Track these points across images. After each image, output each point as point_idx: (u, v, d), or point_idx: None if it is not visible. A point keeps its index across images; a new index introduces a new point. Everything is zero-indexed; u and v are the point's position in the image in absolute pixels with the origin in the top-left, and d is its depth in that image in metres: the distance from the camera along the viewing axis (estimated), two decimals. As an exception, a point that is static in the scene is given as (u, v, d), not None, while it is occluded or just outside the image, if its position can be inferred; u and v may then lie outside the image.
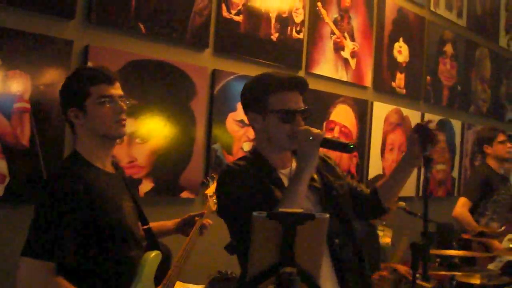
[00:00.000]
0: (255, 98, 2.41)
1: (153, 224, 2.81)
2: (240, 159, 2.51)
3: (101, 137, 2.39)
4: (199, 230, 2.92)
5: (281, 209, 1.78)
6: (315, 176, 2.50)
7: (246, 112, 2.49)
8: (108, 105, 2.35)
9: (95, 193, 2.30)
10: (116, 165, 2.59)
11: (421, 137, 2.42)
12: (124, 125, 2.41)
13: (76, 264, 2.26)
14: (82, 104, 2.35)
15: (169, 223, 2.97)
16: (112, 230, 2.34)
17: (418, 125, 2.46)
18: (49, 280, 2.17)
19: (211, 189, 3.08)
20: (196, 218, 2.94)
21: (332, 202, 2.50)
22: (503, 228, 5.02)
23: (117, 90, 2.41)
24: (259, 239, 1.84)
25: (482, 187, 5.09)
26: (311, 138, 2.29)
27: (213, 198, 3.02)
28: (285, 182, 2.40)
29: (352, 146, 2.35)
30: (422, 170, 6.07)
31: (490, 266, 4.81)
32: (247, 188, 2.34)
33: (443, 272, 3.67)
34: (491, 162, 5.23)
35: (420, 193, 6.25)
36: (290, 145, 2.40)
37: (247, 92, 2.47)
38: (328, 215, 1.78)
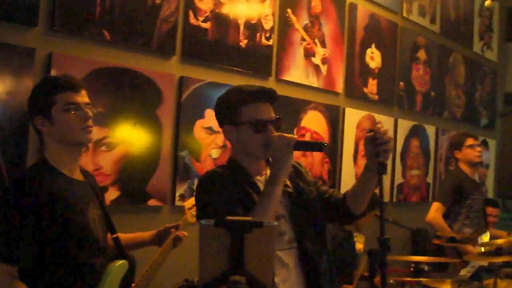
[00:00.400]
0: (228, 111, 2.54)
1: (128, 236, 2.81)
2: (217, 167, 2.65)
3: (68, 144, 2.42)
4: (173, 242, 2.92)
5: (229, 218, 1.77)
6: (288, 182, 2.60)
7: (220, 124, 2.61)
8: (74, 112, 2.39)
9: (59, 199, 2.32)
10: (85, 172, 2.60)
11: (373, 143, 2.43)
12: (90, 132, 2.45)
13: (38, 270, 2.28)
14: (48, 112, 2.38)
15: (145, 235, 2.98)
16: (75, 237, 2.37)
17: (370, 131, 2.47)
18: (8, 283, 2.19)
19: (190, 202, 3.10)
20: (172, 230, 2.94)
21: (304, 207, 2.60)
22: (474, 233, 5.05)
23: (83, 97, 2.45)
24: (207, 247, 1.83)
25: (455, 192, 5.12)
26: (283, 142, 2.40)
27: (191, 210, 3.03)
28: (261, 187, 2.51)
29: (324, 144, 2.52)
30: (396, 175, 6.13)
31: (463, 272, 4.83)
32: (226, 193, 2.44)
33: (409, 279, 3.67)
34: (463, 167, 5.27)
35: (394, 198, 6.27)
36: (264, 153, 2.52)
37: (220, 106, 2.61)
38: (276, 223, 1.79)
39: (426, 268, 4.77)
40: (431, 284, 4.35)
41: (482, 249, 4.52)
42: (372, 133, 2.42)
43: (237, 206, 2.41)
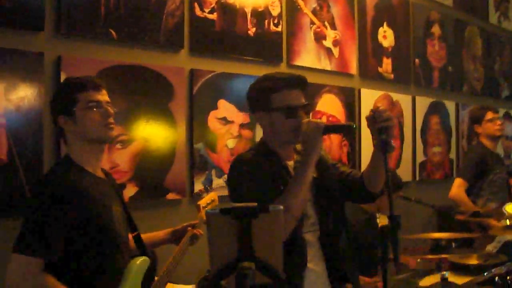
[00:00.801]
0: (260, 98, 2.62)
1: (144, 236, 2.83)
2: (249, 150, 2.71)
3: (91, 141, 2.48)
4: (190, 240, 2.94)
5: (235, 205, 1.78)
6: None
7: (252, 111, 2.71)
8: (96, 110, 2.46)
9: (86, 196, 2.38)
10: (105, 171, 2.66)
11: (374, 122, 2.45)
12: (112, 129, 2.51)
13: (64, 265, 2.33)
14: (71, 111, 2.45)
15: (161, 234, 3.00)
16: (101, 233, 2.41)
17: (370, 111, 2.49)
18: (36, 276, 2.25)
19: (205, 200, 3.14)
20: (189, 228, 2.96)
21: (327, 190, 2.68)
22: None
23: (104, 96, 2.53)
24: (215, 235, 1.84)
25: (477, 167, 5.05)
26: (313, 127, 2.48)
27: (206, 209, 3.05)
28: (291, 172, 2.60)
29: (353, 126, 2.56)
30: (417, 153, 6.08)
31: (489, 247, 4.78)
32: (258, 175, 2.53)
33: (430, 256, 3.65)
34: (485, 141, 5.20)
35: (417, 177, 6.23)
36: (295, 138, 2.60)
37: (252, 93, 2.68)
38: (282, 207, 1.78)
39: (453, 245, 4.76)
40: (457, 260, 4.32)
41: (508, 222, 4.47)
42: (371, 113, 2.46)
43: (269, 189, 2.50)
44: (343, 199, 2.77)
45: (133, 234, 2.69)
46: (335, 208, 2.70)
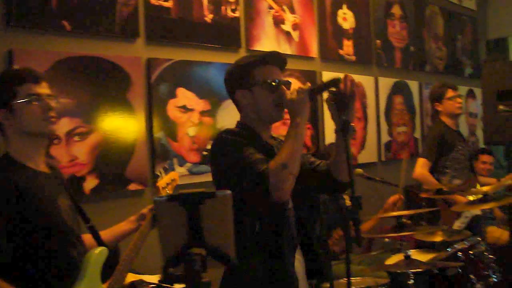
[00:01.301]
0: (240, 76, 2.57)
1: (107, 231, 2.79)
2: (227, 130, 2.59)
3: (31, 135, 2.42)
4: (151, 223, 2.88)
5: (182, 191, 1.77)
6: None
7: (232, 93, 2.62)
8: (35, 103, 2.39)
9: (26, 193, 2.32)
10: (50, 165, 2.59)
11: (336, 101, 2.43)
12: (53, 122, 2.45)
13: (15, 265, 2.29)
14: (10, 104, 2.38)
15: (123, 224, 2.92)
16: (48, 229, 2.37)
17: (330, 91, 2.47)
18: None
19: (164, 181, 3.04)
20: (147, 211, 2.90)
21: (299, 176, 2.55)
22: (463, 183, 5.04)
23: (44, 89, 2.45)
24: (165, 223, 1.83)
25: (438, 146, 5.07)
26: (297, 94, 2.41)
27: (166, 189, 3.00)
28: (275, 150, 2.53)
29: (339, 78, 2.44)
30: (382, 134, 6.11)
31: (456, 223, 4.83)
32: (251, 144, 2.46)
33: (391, 234, 3.68)
34: (445, 119, 5.21)
35: (383, 157, 6.27)
36: (278, 113, 2.55)
37: (230, 74, 2.63)
38: (229, 192, 1.78)
39: (419, 223, 4.81)
40: (422, 238, 4.37)
41: (471, 198, 4.52)
42: (330, 94, 2.45)
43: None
44: (315, 190, 2.78)
45: (87, 225, 2.64)
46: (309, 196, 2.72)
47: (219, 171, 2.56)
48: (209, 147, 4.11)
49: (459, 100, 5.20)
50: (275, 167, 2.31)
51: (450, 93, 5.12)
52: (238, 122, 2.65)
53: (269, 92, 2.51)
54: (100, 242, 2.62)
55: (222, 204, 1.78)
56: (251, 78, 2.54)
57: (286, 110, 2.50)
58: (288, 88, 2.55)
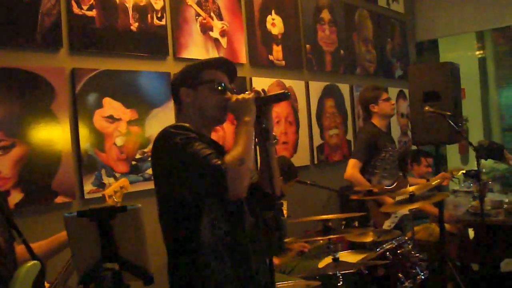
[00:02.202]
0: (189, 74, 2.56)
1: (43, 243, 2.73)
2: (176, 125, 2.45)
3: None
4: None
5: (92, 207, 1.76)
6: None
7: (176, 91, 2.59)
8: None
9: None
10: None
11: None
12: None
13: None
14: None
15: (62, 236, 2.85)
16: None
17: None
18: None
19: (112, 188, 2.98)
20: None
21: None
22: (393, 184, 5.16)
23: None
24: (77, 239, 1.82)
25: (369, 146, 5.16)
26: (241, 101, 2.40)
27: (113, 197, 2.94)
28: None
29: (288, 93, 2.45)
30: (314, 137, 6.18)
31: (386, 223, 4.93)
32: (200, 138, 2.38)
33: (319, 238, 3.74)
34: (376, 121, 5.31)
35: (316, 160, 6.35)
36: (221, 114, 2.53)
37: (180, 73, 2.62)
38: (140, 205, 1.78)
39: (342, 226, 4.90)
40: (352, 239, 4.45)
41: (397, 198, 4.62)
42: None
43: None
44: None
45: (21, 239, 2.59)
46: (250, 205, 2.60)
47: (165, 168, 2.40)
48: (138, 156, 4.14)
49: (392, 101, 5.34)
50: (232, 161, 2.24)
51: (385, 95, 5.25)
52: (177, 122, 2.53)
53: (214, 93, 2.51)
54: (33, 256, 2.57)
55: (134, 217, 1.79)
56: (199, 77, 2.53)
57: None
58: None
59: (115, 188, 2.97)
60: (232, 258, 2.41)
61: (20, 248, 2.58)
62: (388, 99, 5.31)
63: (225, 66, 2.61)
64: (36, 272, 2.48)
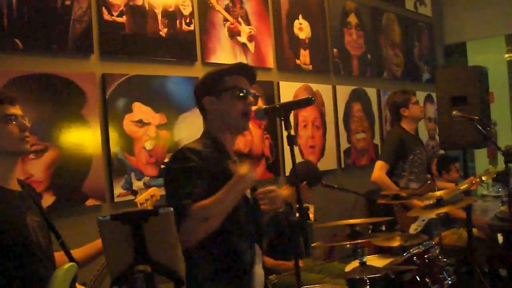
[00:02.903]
0: (211, 82, 2.66)
1: (79, 249, 2.80)
2: (186, 148, 2.57)
3: (7, 154, 2.49)
4: None
5: (125, 210, 1.80)
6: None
7: (199, 100, 2.69)
8: (14, 123, 2.48)
9: None
10: (22, 182, 2.65)
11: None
12: (28, 142, 2.55)
13: None
14: None
15: (96, 242, 2.90)
16: (15, 246, 2.40)
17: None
18: None
19: (143, 196, 3.09)
20: None
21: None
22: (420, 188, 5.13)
23: (18, 110, 2.55)
24: (110, 242, 1.86)
25: (397, 149, 5.16)
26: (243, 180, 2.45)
27: (145, 205, 3.04)
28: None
29: (312, 98, 2.52)
30: (341, 141, 6.19)
31: (413, 227, 4.91)
32: (196, 170, 2.48)
33: (346, 242, 3.74)
34: (406, 124, 5.30)
35: (343, 164, 6.35)
36: (244, 122, 2.65)
37: (202, 81, 2.72)
38: (171, 209, 1.81)
39: (383, 228, 4.88)
40: (379, 243, 4.45)
41: (426, 203, 4.60)
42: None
43: (204, 188, 2.44)
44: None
45: (58, 241, 2.67)
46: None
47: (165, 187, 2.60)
48: (167, 160, 4.19)
49: (421, 105, 5.35)
50: (198, 213, 2.36)
51: (414, 98, 5.26)
52: (203, 131, 2.72)
53: (237, 98, 2.60)
54: (71, 258, 2.64)
55: (165, 221, 1.82)
56: (220, 85, 2.62)
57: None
58: (256, 103, 2.65)
59: (146, 196, 3.08)
60: (218, 243, 2.53)
61: (57, 255, 2.64)
62: (417, 102, 5.32)
63: (244, 70, 2.71)
64: (74, 273, 2.55)
